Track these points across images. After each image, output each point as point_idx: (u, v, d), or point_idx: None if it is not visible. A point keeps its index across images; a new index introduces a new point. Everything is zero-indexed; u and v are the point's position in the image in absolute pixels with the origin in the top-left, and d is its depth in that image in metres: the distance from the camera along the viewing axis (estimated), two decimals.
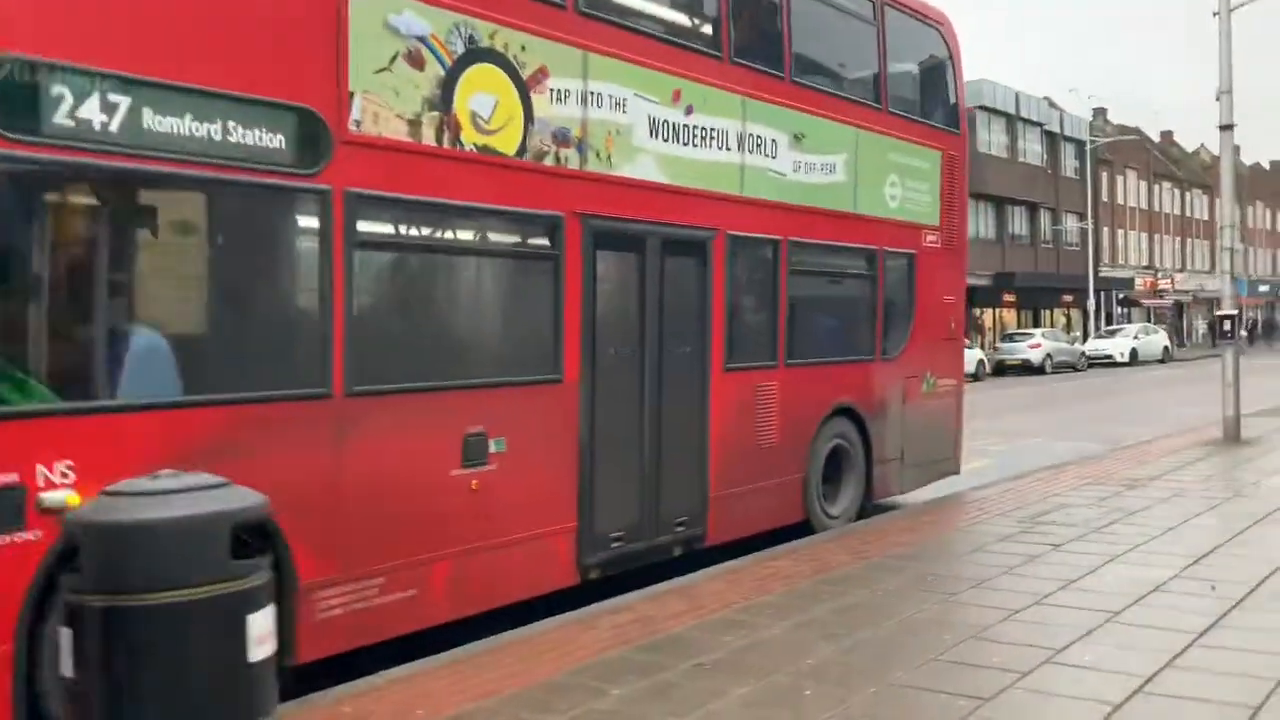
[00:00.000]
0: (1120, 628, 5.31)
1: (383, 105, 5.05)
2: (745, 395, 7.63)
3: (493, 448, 5.57)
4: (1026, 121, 46.35)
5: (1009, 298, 45.41)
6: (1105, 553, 6.98)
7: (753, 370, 7.73)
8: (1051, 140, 49.20)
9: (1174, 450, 12.61)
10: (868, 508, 8.99)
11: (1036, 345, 34.67)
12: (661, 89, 6.71)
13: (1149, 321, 49.89)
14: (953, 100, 10.23)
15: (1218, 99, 13.65)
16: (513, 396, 5.74)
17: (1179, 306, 59.66)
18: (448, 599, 5.45)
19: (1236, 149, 55.94)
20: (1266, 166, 74.70)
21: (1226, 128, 13.71)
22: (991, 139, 44.53)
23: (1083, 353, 37.37)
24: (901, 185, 9.29)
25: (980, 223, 45.02)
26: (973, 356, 32.43)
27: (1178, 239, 61.17)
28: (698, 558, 7.11)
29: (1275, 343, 62.94)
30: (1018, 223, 47.61)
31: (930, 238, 9.74)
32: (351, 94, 4.91)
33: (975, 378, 31.94)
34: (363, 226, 4.99)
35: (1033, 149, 47.41)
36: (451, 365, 5.48)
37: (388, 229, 5.28)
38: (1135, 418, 18.48)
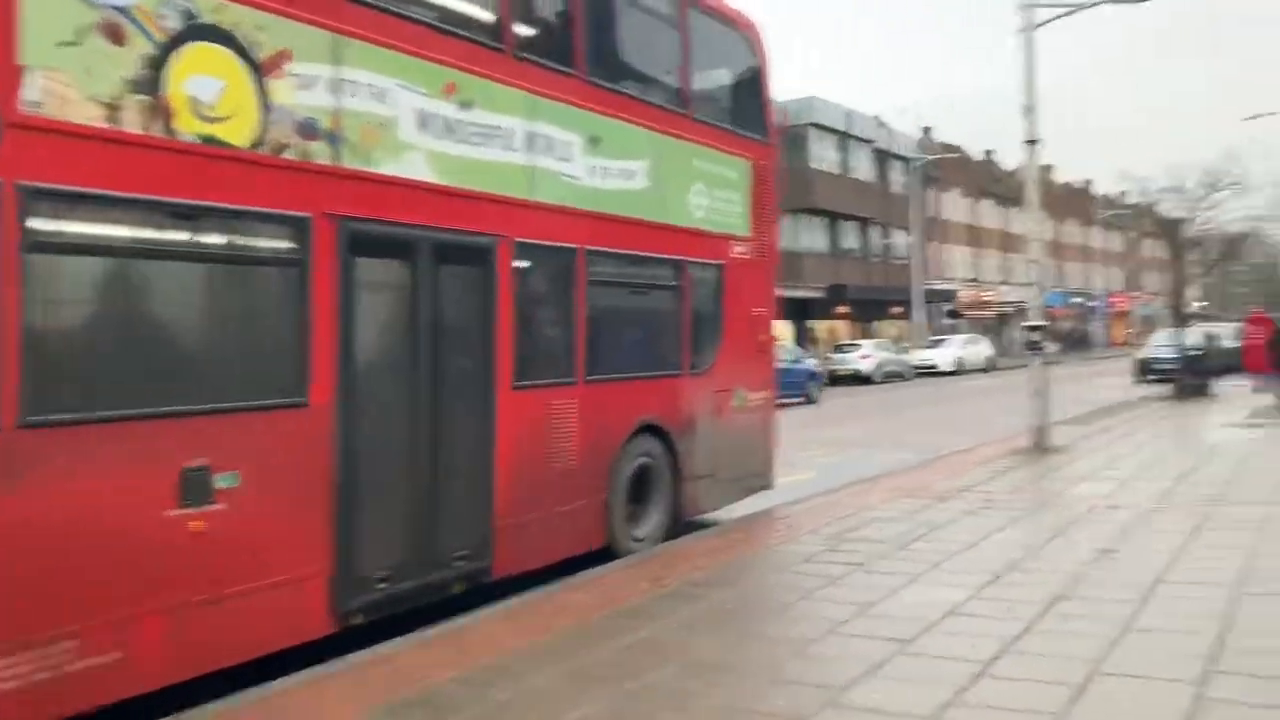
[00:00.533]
0: (910, 660, 5.00)
1: (70, 84, 4.28)
2: (538, 414, 7.10)
3: (220, 484, 4.84)
4: (857, 139, 47.77)
5: (842, 309, 46.61)
6: (907, 572, 6.76)
7: (547, 387, 7.21)
8: (881, 158, 50.90)
9: (987, 460, 12.78)
10: (678, 527, 8.59)
11: (867, 356, 35.52)
12: (432, 80, 6.12)
13: (973, 332, 52.08)
14: (762, 109, 9.99)
15: (1023, 115, 14.02)
16: (246, 424, 5.02)
17: (1001, 317, 62.61)
18: (165, 660, 4.68)
19: (1049, 167, 58.85)
20: (1078, 185, 79.43)
21: (1031, 143, 14.08)
22: (824, 155, 45.70)
23: (911, 363, 38.52)
24: (709, 194, 8.97)
25: (813, 236, 46.11)
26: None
27: (1000, 253, 64.26)
28: (489, 592, 6.54)
29: (1088, 352, 66.90)
30: (850, 237, 48.97)
31: (740, 249, 9.46)
32: (23, 69, 4.13)
33: None
34: (42, 226, 4.21)
35: (863, 165, 48.90)
36: (163, 389, 4.71)
37: (78, 230, 4.48)
38: (956, 426, 18.89)
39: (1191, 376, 23.00)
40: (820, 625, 5.66)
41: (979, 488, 10.41)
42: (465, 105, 6.35)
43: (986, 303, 59.30)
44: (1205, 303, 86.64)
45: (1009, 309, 63.25)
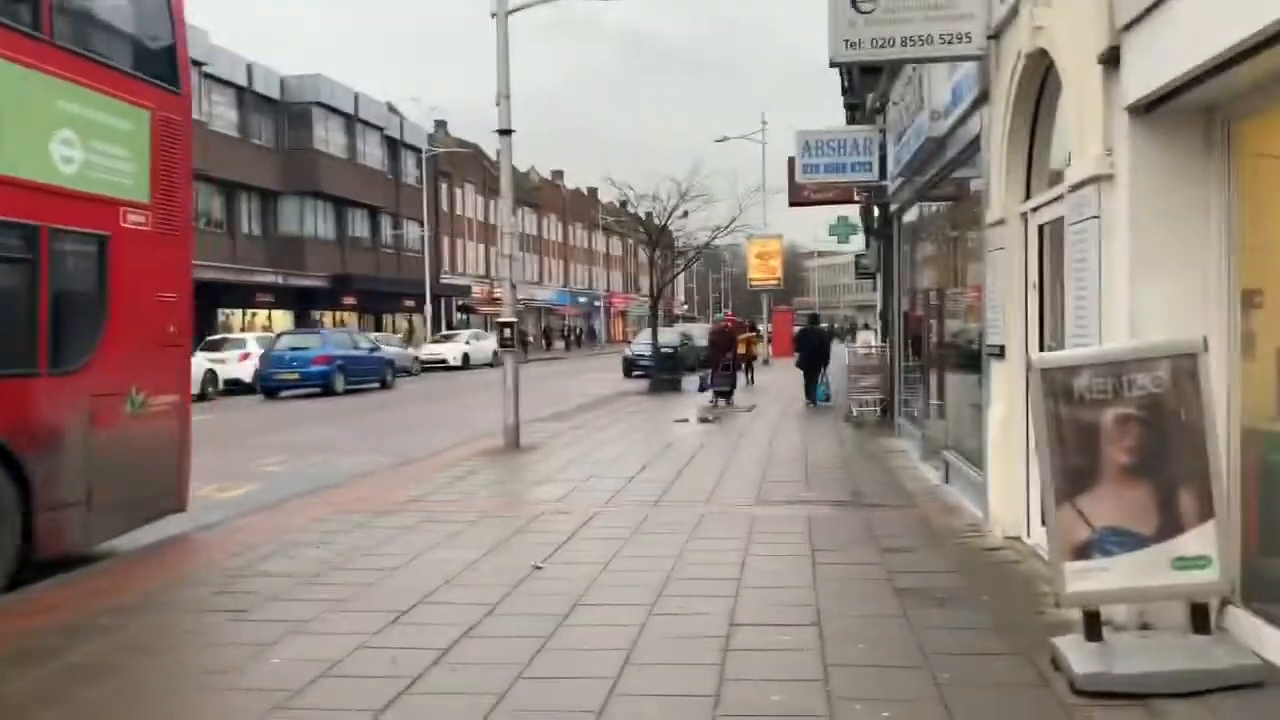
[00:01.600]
0: None
1: None
2: None
3: None
4: (366, 124, 46.10)
5: (349, 300, 44.76)
6: (297, 617, 5.54)
7: None
8: (393, 146, 49.68)
9: (454, 462, 12.05)
10: (33, 570, 6.63)
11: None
12: None
13: (484, 328, 52.77)
14: (172, 53, 8.24)
15: (497, 103, 13.53)
16: None
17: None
18: None
19: (560, 173, 61.47)
20: (585, 191, 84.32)
21: (505, 132, 13.64)
22: (330, 138, 43.51)
23: (416, 357, 37.74)
24: (83, 145, 7.09)
25: (319, 222, 43.71)
26: None
27: None
28: None
29: (593, 348, 71.15)
30: (359, 225, 47.20)
31: (135, 218, 7.67)
32: None
33: None
34: None
35: (373, 153, 47.36)
36: None
37: None
38: (445, 423, 18.25)
39: (665, 373, 24.53)
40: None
41: (432, 497, 9.54)
42: None
43: (498, 299, 60.57)
44: (686, 305, 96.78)
45: (520, 306, 65.23)
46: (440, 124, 58.46)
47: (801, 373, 20.29)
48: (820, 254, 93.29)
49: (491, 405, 21.08)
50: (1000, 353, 7.16)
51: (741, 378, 23.88)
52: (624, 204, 39.70)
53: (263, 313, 39.55)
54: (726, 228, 26.20)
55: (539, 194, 70.24)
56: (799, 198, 17.47)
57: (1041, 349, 6.49)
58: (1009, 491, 7.04)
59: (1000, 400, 7.23)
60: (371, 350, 29.95)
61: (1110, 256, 4.86)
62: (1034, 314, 6.68)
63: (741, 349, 24.52)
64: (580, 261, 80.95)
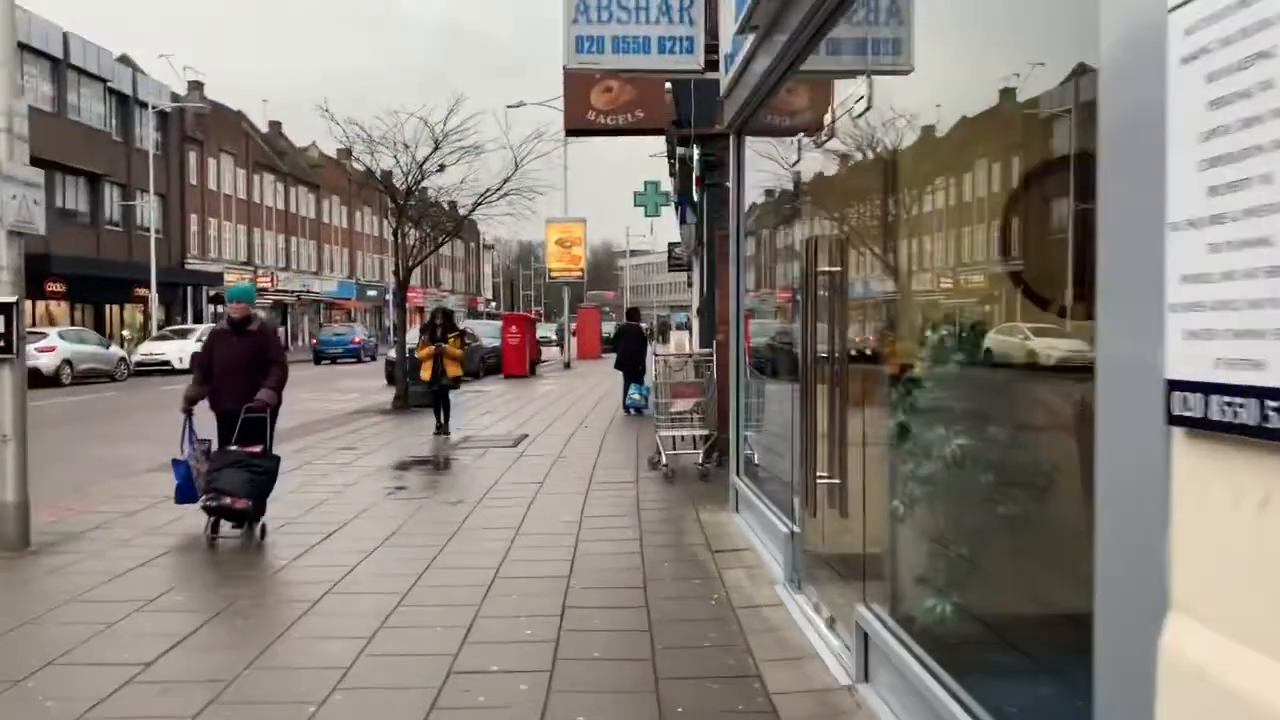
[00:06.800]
0: None
1: None
2: None
3: None
4: (81, 71, 37.56)
5: (56, 287, 36.16)
6: None
7: None
8: (123, 103, 41.10)
9: None
10: None
11: (50, 349, 26.28)
12: None
13: None
14: None
15: None
16: None
17: (283, 307, 56.28)
18: None
19: (348, 152, 52.02)
20: (379, 174, 76.22)
21: None
22: (31, 85, 34.83)
23: (123, 358, 30.02)
24: None
25: None
26: None
27: (281, 235, 57.78)
28: None
29: (385, 346, 63.49)
30: (73, 196, 38.51)
31: None
32: None
33: None
34: None
35: (92, 109, 38.76)
36: None
37: None
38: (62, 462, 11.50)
39: (414, 384, 18.23)
40: None
41: None
42: None
43: (264, 289, 52.43)
44: (494, 303, 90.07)
45: (290, 297, 57.17)
46: (196, 85, 49.82)
47: (620, 378, 15.60)
48: (634, 253, 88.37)
49: (148, 437, 14.34)
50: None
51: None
52: (419, 191, 31.08)
53: None
54: (499, 189, 19.99)
55: (320, 173, 62.12)
56: (580, 121, 11.48)
57: None
58: None
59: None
60: None
61: None
62: None
63: (426, 369, 15.01)
64: (371, 251, 72.93)
